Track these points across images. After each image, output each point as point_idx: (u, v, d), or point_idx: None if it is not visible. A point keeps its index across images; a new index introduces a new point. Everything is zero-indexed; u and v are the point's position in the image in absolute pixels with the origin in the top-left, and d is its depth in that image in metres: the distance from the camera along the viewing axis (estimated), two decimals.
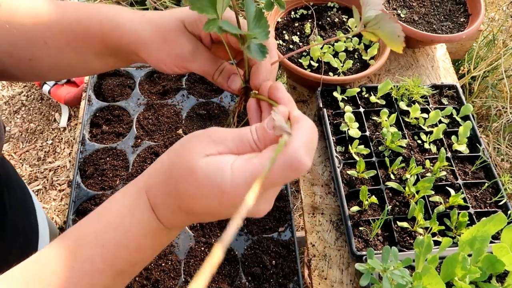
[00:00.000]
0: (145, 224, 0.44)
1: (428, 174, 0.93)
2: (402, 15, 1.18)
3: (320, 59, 1.06)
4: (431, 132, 1.00)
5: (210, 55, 0.55)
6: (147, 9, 1.27)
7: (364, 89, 1.06)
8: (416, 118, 1.02)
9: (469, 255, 0.68)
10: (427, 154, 0.97)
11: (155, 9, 1.25)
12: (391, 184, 0.90)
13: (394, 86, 1.05)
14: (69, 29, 0.55)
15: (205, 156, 0.40)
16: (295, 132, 0.39)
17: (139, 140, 1.00)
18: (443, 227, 0.84)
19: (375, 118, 1.02)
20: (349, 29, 1.14)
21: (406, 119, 1.02)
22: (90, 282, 0.42)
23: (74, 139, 2.14)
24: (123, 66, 0.63)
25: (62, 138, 2.18)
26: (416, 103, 1.03)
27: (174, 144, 0.45)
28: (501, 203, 0.90)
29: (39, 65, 0.57)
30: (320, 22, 1.16)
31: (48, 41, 0.55)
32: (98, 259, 0.42)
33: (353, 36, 1.13)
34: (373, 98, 1.04)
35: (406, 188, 0.89)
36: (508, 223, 0.67)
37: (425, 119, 1.01)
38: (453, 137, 1.00)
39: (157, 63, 0.55)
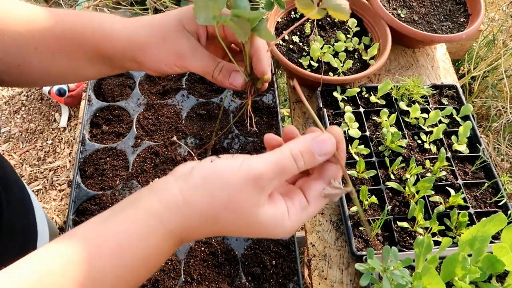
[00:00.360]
0: (171, 253, 0.45)
1: (428, 174, 0.93)
2: (402, 15, 1.18)
3: (320, 59, 1.06)
4: (431, 132, 1.00)
5: (209, 54, 0.55)
6: (147, 9, 1.27)
7: (364, 89, 1.06)
8: (416, 118, 1.02)
9: (469, 255, 0.68)
10: (427, 154, 0.97)
11: (155, 9, 1.25)
12: (391, 184, 0.90)
13: (394, 86, 1.05)
14: (63, 35, 0.55)
15: (260, 207, 0.42)
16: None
17: (139, 140, 1.00)
18: (443, 227, 0.84)
19: (375, 118, 1.02)
20: (349, 29, 1.14)
21: (406, 119, 1.02)
22: None
23: (74, 139, 2.14)
24: (115, 73, 0.63)
25: (62, 138, 2.18)
26: (416, 103, 1.03)
27: (210, 184, 0.42)
28: (501, 203, 0.90)
29: (30, 71, 0.57)
30: (320, 22, 1.16)
31: (39, 47, 0.55)
32: None
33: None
34: (373, 98, 1.04)
35: (406, 188, 0.89)
36: (508, 223, 0.67)
37: (425, 119, 1.01)
38: (453, 137, 1.00)
39: (157, 64, 0.55)
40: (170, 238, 0.42)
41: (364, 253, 0.81)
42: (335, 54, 1.08)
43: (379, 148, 0.97)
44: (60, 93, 2.13)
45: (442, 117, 1.02)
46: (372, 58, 1.09)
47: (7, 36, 0.53)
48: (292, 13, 1.17)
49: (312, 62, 1.06)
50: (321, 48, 1.07)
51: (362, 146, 0.96)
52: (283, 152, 0.42)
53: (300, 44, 1.11)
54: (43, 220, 0.84)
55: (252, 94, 0.55)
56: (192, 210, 0.42)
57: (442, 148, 0.95)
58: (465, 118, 1.03)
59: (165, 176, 0.46)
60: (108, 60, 0.57)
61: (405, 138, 0.98)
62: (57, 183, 2.04)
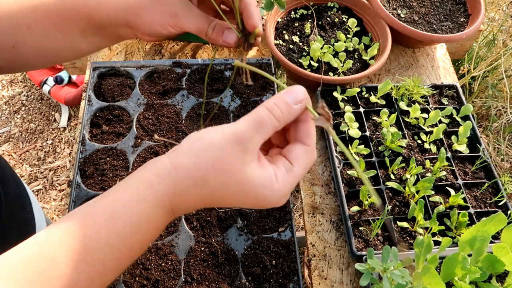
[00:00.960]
0: (162, 225, 0.46)
1: (428, 174, 0.93)
2: (402, 15, 1.18)
3: (320, 59, 1.06)
4: (431, 132, 1.00)
5: (202, 12, 0.57)
6: None
7: (364, 89, 1.06)
8: (416, 118, 1.02)
9: (469, 255, 0.68)
10: (427, 154, 0.97)
11: None
12: (391, 184, 0.90)
13: (394, 86, 1.05)
14: (54, 9, 0.55)
15: (248, 165, 0.43)
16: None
17: (139, 140, 1.00)
18: (443, 227, 0.84)
19: (375, 118, 1.02)
20: (349, 29, 1.14)
21: (406, 119, 1.02)
22: (101, 280, 0.43)
23: (74, 139, 2.14)
24: (110, 44, 0.64)
25: (62, 138, 2.18)
26: (416, 103, 1.03)
27: (195, 147, 0.44)
28: (501, 203, 0.90)
29: (24, 52, 0.58)
30: (320, 22, 1.16)
31: (32, 25, 0.55)
32: (110, 263, 0.42)
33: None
34: (373, 98, 1.04)
35: (406, 188, 0.89)
36: (508, 223, 0.67)
37: (425, 119, 1.01)
38: (453, 137, 1.00)
39: (152, 26, 0.56)
40: (159, 205, 0.43)
41: (364, 253, 0.81)
42: (335, 54, 1.08)
43: (379, 148, 0.97)
44: (57, 81, 2.11)
45: (442, 117, 1.02)
46: (372, 58, 1.09)
47: None
48: (292, 13, 1.17)
49: (312, 62, 1.06)
50: (321, 48, 1.07)
51: (362, 146, 0.96)
52: (258, 108, 0.44)
53: (300, 44, 1.11)
54: (40, 214, 0.85)
55: (246, 50, 0.58)
56: (180, 173, 0.43)
57: (442, 148, 0.95)
58: (465, 118, 1.03)
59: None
60: (102, 29, 0.58)
61: (405, 138, 0.98)
62: (57, 183, 2.04)
